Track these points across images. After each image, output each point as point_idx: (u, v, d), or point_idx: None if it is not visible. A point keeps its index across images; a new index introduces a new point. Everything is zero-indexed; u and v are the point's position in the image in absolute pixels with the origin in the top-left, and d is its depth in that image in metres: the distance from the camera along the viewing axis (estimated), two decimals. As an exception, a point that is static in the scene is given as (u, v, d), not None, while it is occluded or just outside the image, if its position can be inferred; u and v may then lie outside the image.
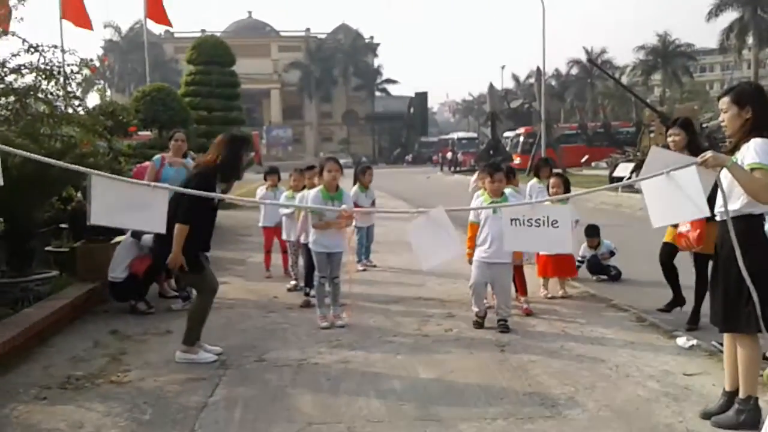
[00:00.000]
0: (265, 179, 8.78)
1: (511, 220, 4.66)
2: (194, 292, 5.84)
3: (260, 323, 6.25)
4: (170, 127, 14.20)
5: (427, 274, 8.55)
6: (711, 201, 4.72)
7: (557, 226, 4.55)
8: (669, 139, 5.84)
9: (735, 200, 3.70)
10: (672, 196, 3.80)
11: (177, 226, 4.90)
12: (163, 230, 4.51)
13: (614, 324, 6.11)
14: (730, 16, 46.16)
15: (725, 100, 3.83)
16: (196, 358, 5.12)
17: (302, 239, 6.99)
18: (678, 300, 6.37)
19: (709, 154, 3.65)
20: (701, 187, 3.68)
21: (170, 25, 19.32)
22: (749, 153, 3.64)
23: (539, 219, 4.57)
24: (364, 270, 9.13)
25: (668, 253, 6.17)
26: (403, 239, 12.34)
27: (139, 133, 15.36)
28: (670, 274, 6.29)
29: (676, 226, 5.84)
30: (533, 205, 4.86)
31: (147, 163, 7.93)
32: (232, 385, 4.60)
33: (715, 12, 45.82)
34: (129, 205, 4.29)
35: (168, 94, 15.85)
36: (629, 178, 6.26)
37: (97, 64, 15.12)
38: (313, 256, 6.29)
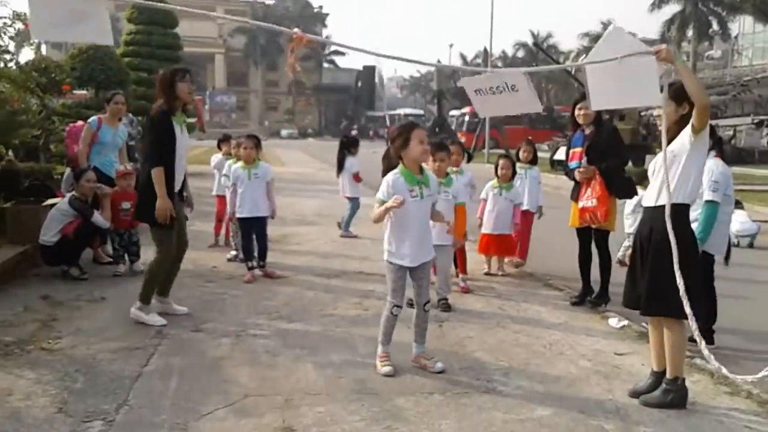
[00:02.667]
0: (219, 147, 8.66)
1: (475, 91, 4.47)
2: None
3: (198, 293, 6.15)
4: (107, 87, 13.77)
5: (369, 248, 8.60)
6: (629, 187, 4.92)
7: (517, 90, 4.32)
8: (581, 113, 5.97)
9: (664, 192, 3.84)
10: (621, 80, 3.80)
11: (152, 171, 4.96)
12: (108, 42, 4.40)
13: (549, 303, 6.27)
14: (672, 8, 47.33)
15: (664, 96, 3.96)
16: (145, 319, 5.11)
17: (237, 214, 6.91)
18: (586, 290, 6.27)
19: (664, 46, 3.81)
20: (656, 76, 3.75)
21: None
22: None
23: (498, 86, 4.36)
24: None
25: (587, 241, 6.20)
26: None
27: (75, 92, 14.79)
28: (586, 263, 6.27)
29: (577, 201, 6.02)
30: (487, 74, 4.61)
31: (80, 122, 7.65)
32: (168, 355, 4.52)
33: (657, 3, 46.86)
34: (68, 17, 4.01)
35: (106, 53, 15.26)
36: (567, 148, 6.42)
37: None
38: (386, 271, 4.52)
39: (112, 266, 6.93)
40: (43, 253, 6.54)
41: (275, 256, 7.67)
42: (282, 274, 6.98)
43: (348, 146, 9.93)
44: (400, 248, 4.33)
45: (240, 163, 6.92)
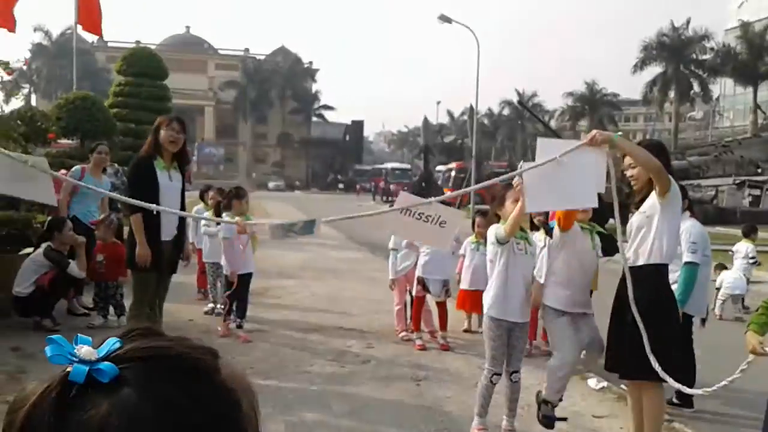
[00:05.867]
0: (202, 198, 8.50)
1: (402, 210, 4.22)
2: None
3: (172, 347, 6.02)
4: (93, 138, 13.75)
5: (350, 303, 8.52)
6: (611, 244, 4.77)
7: (444, 226, 4.19)
8: None
9: (644, 253, 3.83)
10: (557, 181, 3.77)
11: (131, 218, 4.98)
12: (53, 203, 4.88)
13: (530, 363, 6.14)
14: (653, 70, 48.62)
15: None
16: None
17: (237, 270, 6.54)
18: None
19: (594, 131, 3.80)
20: (594, 176, 3.74)
21: (101, 35, 18.66)
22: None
23: (430, 216, 4.19)
24: None
25: None
26: (327, 266, 12.28)
27: (60, 141, 14.79)
28: None
29: None
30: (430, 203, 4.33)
31: (63, 171, 7.61)
32: (136, 411, 4.38)
33: (639, 66, 48.10)
34: (16, 177, 4.24)
35: (93, 103, 15.33)
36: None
37: (21, 66, 14.52)
38: (486, 332, 4.34)
39: (87, 318, 6.80)
40: (16, 304, 6.41)
41: (255, 310, 7.56)
42: (260, 328, 6.87)
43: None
44: (506, 303, 4.20)
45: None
